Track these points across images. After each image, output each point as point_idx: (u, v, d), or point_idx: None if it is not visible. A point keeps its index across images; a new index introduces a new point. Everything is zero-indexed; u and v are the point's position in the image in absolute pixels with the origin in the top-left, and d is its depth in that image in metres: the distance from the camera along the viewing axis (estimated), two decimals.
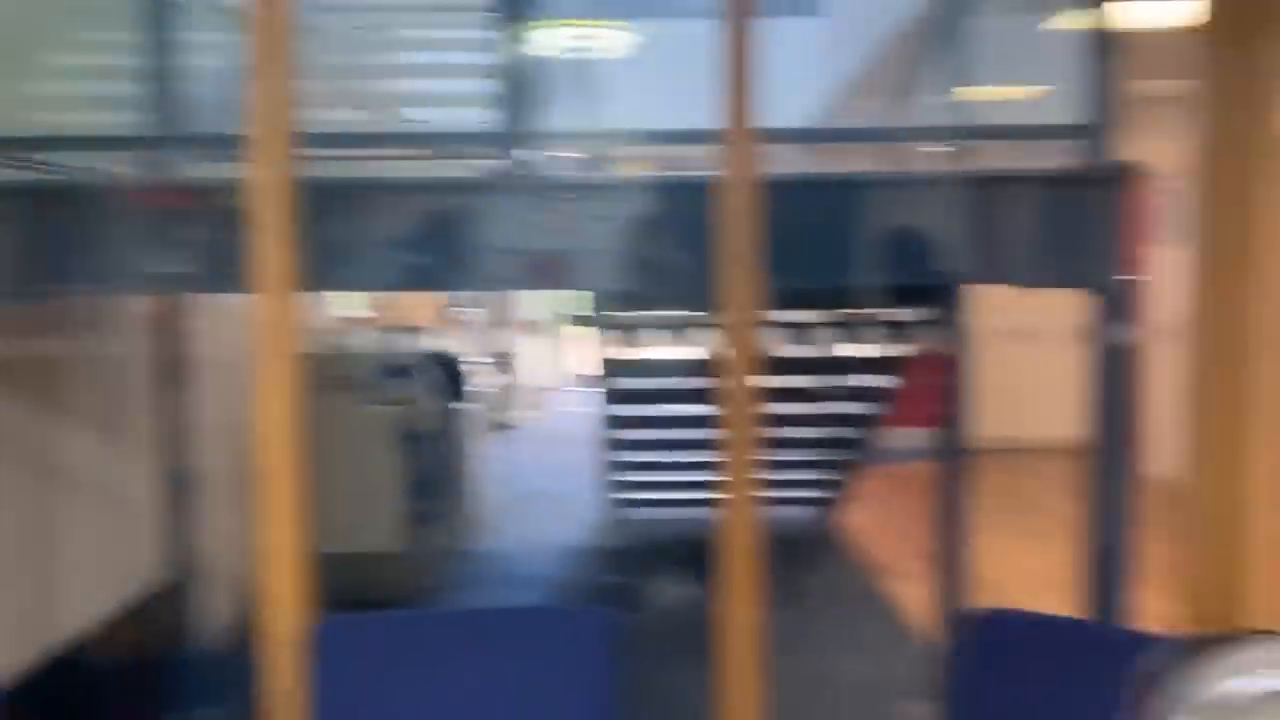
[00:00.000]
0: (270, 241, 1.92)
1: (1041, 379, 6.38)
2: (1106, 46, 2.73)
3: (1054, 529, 3.91)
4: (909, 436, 6.06)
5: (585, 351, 7.63)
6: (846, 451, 5.90)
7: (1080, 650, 1.95)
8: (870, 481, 6.64)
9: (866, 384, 5.33)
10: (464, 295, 9.60)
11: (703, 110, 2.13)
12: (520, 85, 2.82)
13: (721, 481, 2.05)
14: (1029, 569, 4.93)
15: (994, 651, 1.97)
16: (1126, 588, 2.65)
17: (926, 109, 3.48)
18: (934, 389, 4.13)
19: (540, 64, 2.93)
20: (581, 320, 5.52)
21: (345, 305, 7.34)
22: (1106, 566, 2.68)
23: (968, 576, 3.90)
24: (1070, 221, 2.72)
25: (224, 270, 2.42)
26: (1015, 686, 1.93)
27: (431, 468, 5.35)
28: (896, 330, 4.75)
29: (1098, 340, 2.71)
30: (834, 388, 5.36)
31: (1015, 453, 7.50)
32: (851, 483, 6.28)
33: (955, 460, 3.97)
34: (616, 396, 5.51)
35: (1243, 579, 2.18)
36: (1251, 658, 1.11)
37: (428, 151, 3.24)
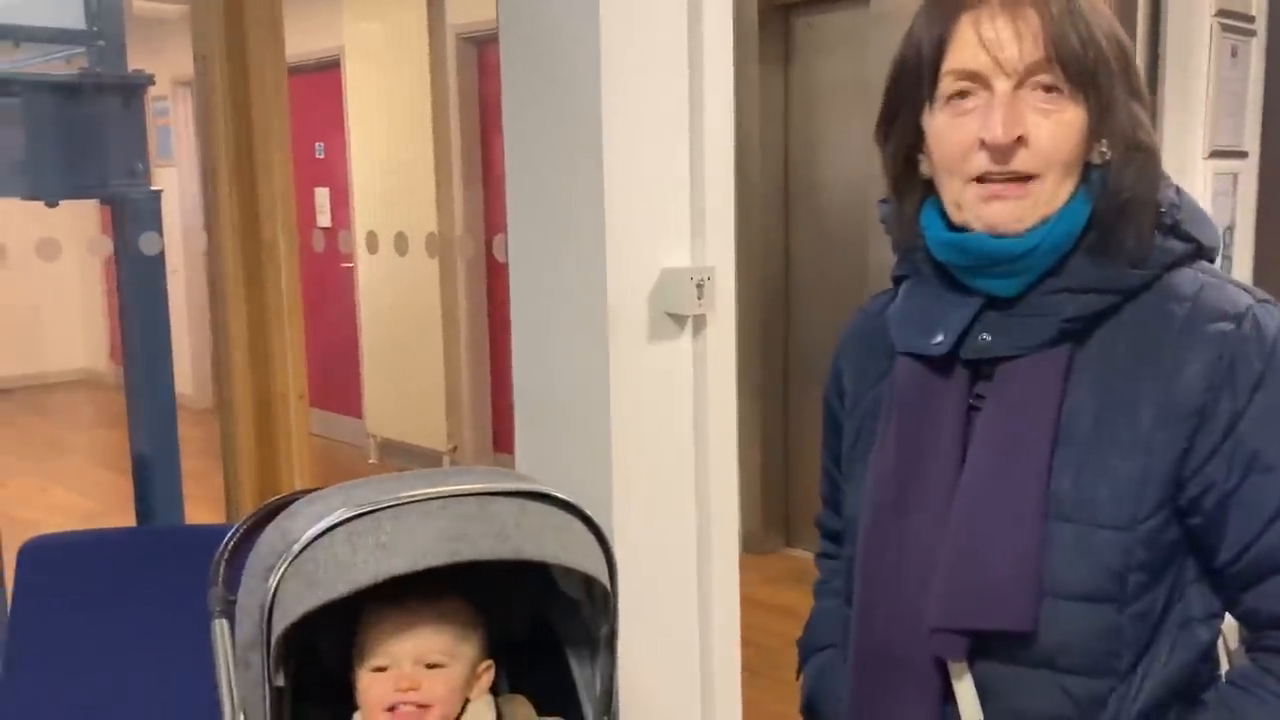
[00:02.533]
0: None
1: (47, 309, 6.38)
2: None
3: (82, 466, 4.94)
4: None
5: None
6: None
7: (146, 555, 1.84)
8: None
9: None
10: None
11: None
12: None
13: None
14: (62, 505, 4.83)
15: (58, 574, 1.76)
16: (177, 505, 2.44)
17: None
18: None
19: None
20: None
21: None
22: (156, 488, 2.41)
23: None
24: (84, 130, 2.28)
25: None
26: (82, 601, 1.76)
27: None
28: None
29: (125, 253, 2.37)
30: None
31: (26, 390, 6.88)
32: None
33: None
34: None
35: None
36: (293, 512, 1.18)
37: None
